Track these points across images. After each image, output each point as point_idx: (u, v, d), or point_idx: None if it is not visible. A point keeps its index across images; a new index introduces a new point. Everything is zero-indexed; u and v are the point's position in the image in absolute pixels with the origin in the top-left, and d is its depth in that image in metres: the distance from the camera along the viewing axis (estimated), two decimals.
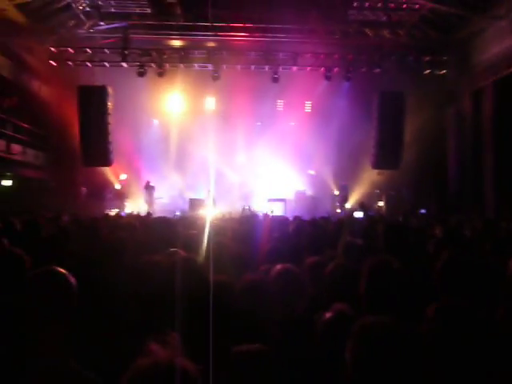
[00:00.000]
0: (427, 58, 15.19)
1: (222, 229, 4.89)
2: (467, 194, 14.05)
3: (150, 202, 16.03)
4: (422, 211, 12.74)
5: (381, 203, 15.88)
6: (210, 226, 4.26)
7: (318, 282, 2.71)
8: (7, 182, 13.75)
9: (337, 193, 16.43)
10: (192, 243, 3.74)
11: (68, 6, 13.48)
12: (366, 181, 16.57)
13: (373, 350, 1.23)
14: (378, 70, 15.00)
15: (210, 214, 11.89)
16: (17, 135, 13.26)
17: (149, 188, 16.23)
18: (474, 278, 2.47)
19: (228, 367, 1.49)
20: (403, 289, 2.19)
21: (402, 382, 1.20)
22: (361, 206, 9.41)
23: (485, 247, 4.13)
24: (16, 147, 13.11)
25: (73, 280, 1.61)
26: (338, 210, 15.43)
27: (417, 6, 13.62)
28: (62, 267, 2.19)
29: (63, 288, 1.56)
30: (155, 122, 18.37)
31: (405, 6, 13.76)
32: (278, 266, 2.52)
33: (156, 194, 16.54)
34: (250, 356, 1.51)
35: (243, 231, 5.09)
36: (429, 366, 1.28)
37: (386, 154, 14.35)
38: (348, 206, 16.65)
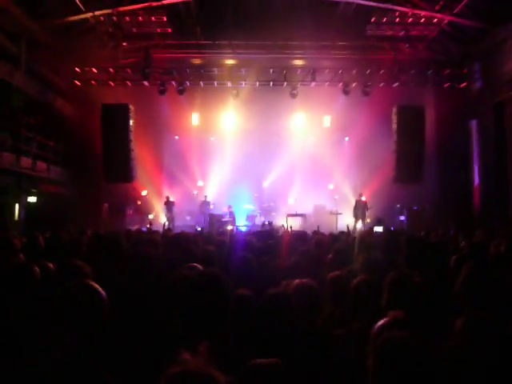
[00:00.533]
0: (447, 71, 15.09)
1: (244, 244, 4.90)
2: (491, 209, 13.74)
3: (169, 217, 16.19)
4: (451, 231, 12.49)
5: (402, 218, 15.65)
6: (233, 241, 4.28)
7: (339, 297, 2.70)
8: (33, 199, 14.10)
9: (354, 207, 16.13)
10: (212, 258, 3.77)
11: (92, 27, 13.95)
12: (387, 195, 16.38)
13: (393, 365, 1.20)
14: (396, 84, 14.96)
15: (231, 229, 11.92)
16: (42, 153, 13.63)
17: (169, 204, 16.41)
18: (496, 293, 2.42)
19: (244, 379, 1.50)
20: (424, 302, 2.16)
21: None
22: (378, 220, 9.27)
23: (509, 262, 4.03)
24: (41, 164, 13.47)
25: (103, 293, 1.65)
26: (359, 225, 15.25)
27: (435, 19, 13.60)
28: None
29: (95, 301, 1.60)
30: (176, 138, 18.66)
31: (423, 20, 13.75)
32: (296, 281, 2.53)
33: (175, 209, 16.71)
34: (262, 369, 1.51)
35: (264, 246, 5.09)
36: (455, 381, 1.24)
37: (407, 168, 14.21)
38: (368, 220, 16.46)
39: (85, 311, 1.57)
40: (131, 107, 14.60)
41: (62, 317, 1.55)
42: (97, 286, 1.67)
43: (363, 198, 15.74)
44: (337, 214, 16.03)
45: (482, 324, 1.58)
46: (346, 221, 15.05)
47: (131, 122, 14.53)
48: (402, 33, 14.15)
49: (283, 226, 7.15)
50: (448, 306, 2.58)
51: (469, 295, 2.48)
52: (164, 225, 14.30)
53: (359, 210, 15.21)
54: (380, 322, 1.87)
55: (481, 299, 2.39)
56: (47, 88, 14.43)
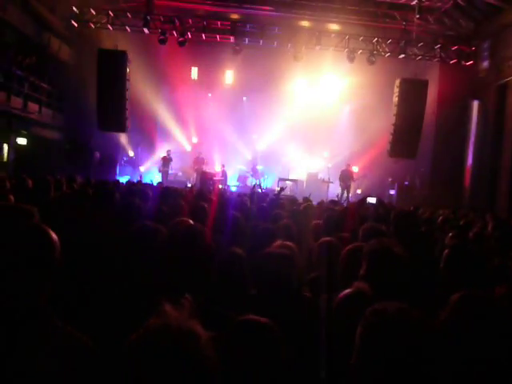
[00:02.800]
0: (455, 47, 14.77)
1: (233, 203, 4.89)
2: (481, 191, 13.85)
3: (163, 171, 16.12)
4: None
5: (392, 192, 15.75)
6: (223, 200, 4.26)
7: (329, 262, 2.72)
8: (22, 141, 13.85)
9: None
10: (201, 215, 3.75)
11: None
12: (380, 168, 16.41)
13: (385, 336, 1.18)
14: (402, 56, 14.65)
15: (221, 188, 11.89)
16: (34, 94, 13.27)
17: (166, 159, 16.30)
18: (476, 271, 2.46)
19: (230, 335, 1.48)
20: (404, 274, 2.17)
21: (414, 371, 1.16)
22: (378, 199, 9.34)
23: (491, 244, 4.11)
24: (33, 106, 13.13)
25: (55, 237, 1.56)
26: (348, 195, 15.32)
27: None
28: (70, 228, 2.19)
29: (43, 245, 1.52)
30: (174, 91, 18.27)
31: None
32: (278, 243, 2.59)
33: (171, 165, 16.62)
34: (252, 327, 1.50)
35: (253, 208, 5.08)
36: (444, 356, 1.23)
37: (403, 143, 14.13)
38: (359, 191, 16.55)
39: (27, 255, 1.47)
40: (129, 54, 14.15)
41: (4, 261, 1.47)
42: (45, 228, 1.57)
43: (354, 169, 15.74)
44: (328, 182, 16.06)
45: (478, 300, 1.59)
46: (338, 190, 15.14)
47: (128, 71, 14.13)
48: (414, 2, 13.71)
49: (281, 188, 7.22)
50: (430, 282, 2.63)
51: (451, 272, 2.52)
52: (161, 179, 14.23)
53: (345, 179, 15.26)
54: (343, 292, 1.91)
55: (463, 276, 2.42)
56: (42, 27, 13.85)
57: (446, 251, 2.63)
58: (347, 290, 1.92)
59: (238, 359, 1.41)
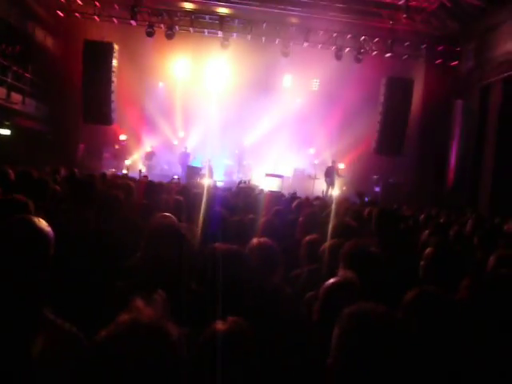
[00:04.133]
0: (440, 48, 14.95)
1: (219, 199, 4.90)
2: (464, 188, 14.08)
3: (148, 165, 16.04)
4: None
5: (377, 189, 15.91)
6: (207, 195, 4.26)
7: (313, 259, 2.76)
8: (5, 131, 13.61)
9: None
10: (183, 210, 3.76)
11: None
12: (365, 165, 16.55)
13: (364, 338, 1.18)
14: (389, 55, 14.77)
15: (207, 183, 11.86)
16: (18, 84, 13.04)
17: (150, 153, 16.21)
18: (457, 270, 2.50)
19: (208, 338, 1.48)
20: (380, 274, 2.21)
21: (391, 374, 1.16)
22: (359, 194, 9.40)
23: (473, 241, 4.18)
24: (16, 96, 12.90)
25: (49, 230, 1.56)
26: (334, 192, 15.43)
27: None
28: (53, 220, 2.18)
29: (36, 237, 1.52)
30: (161, 85, 18.13)
31: None
32: (254, 240, 2.57)
33: (155, 159, 16.51)
34: (232, 333, 1.50)
35: (240, 204, 5.10)
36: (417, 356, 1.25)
37: (389, 141, 14.30)
38: (344, 188, 16.67)
39: (22, 249, 1.48)
40: (116, 46, 13.99)
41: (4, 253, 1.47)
42: (41, 222, 1.57)
43: (340, 166, 15.81)
44: (314, 178, 16.15)
45: (431, 297, 1.63)
46: (323, 186, 15.23)
47: (114, 62, 13.97)
48: (401, 1, 13.82)
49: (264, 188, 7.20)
50: (409, 279, 2.67)
51: (431, 271, 2.56)
52: (140, 171, 14.14)
53: (330, 176, 15.33)
54: (329, 281, 1.91)
55: (442, 275, 2.46)
56: (27, 16, 13.60)
57: (428, 250, 2.67)
58: (333, 279, 1.91)
59: (211, 360, 1.39)
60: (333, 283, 1.89)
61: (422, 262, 2.63)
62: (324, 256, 2.59)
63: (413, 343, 1.23)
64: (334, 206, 4.74)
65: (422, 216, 6.71)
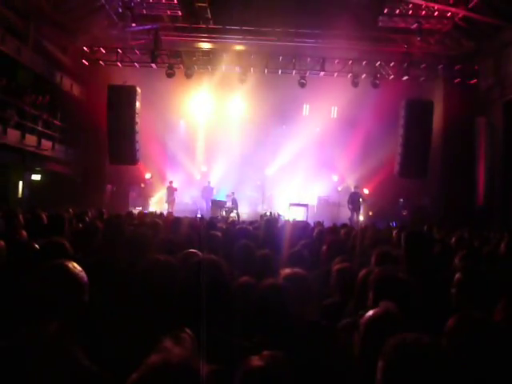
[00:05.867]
0: (458, 67, 14.91)
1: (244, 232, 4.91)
2: (494, 207, 13.68)
3: (170, 201, 16.21)
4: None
5: (404, 212, 15.63)
6: (235, 229, 4.28)
7: (345, 288, 2.71)
8: (36, 177, 14.14)
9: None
10: (214, 244, 3.78)
11: (102, 6, 13.81)
12: (391, 189, 16.35)
13: (412, 369, 1.16)
14: (406, 78, 14.80)
15: (233, 216, 11.93)
16: (47, 131, 13.63)
17: (171, 188, 16.45)
18: (491, 292, 2.41)
19: (245, 375, 1.44)
20: (411, 300, 2.14)
21: None
22: (382, 215, 9.30)
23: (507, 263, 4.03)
24: (46, 143, 13.47)
25: (83, 275, 1.60)
26: (361, 218, 15.24)
27: (449, 13, 13.38)
28: (84, 262, 2.23)
29: (72, 282, 1.55)
30: (182, 122, 18.61)
31: (436, 13, 13.54)
32: (286, 270, 2.52)
33: (177, 194, 16.75)
34: (264, 365, 1.46)
35: (265, 236, 5.09)
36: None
37: (412, 163, 14.12)
38: (370, 213, 16.45)
39: (58, 294, 1.51)
40: (138, 89, 14.53)
41: (36, 299, 1.50)
42: (76, 267, 1.61)
43: (364, 191, 15.65)
44: (339, 205, 16.01)
45: (475, 323, 1.58)
46: (349, 213, 15.06)
47: (138, 105, 14.47)
48: (414, 25, 13.94)
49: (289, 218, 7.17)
50: (442, 304, 2.58)
51: (464, 295, 2.48)
52: (168, 208, 14.35)
53: (354, 202, 15.10)
54: (370, 313, 1.85)
55: (477, 299, 2.38)
56: (55, 66, 14.35)
57: (458, 275, 2.59)
58: (374, 310, 1.85)
59: None
60: (374, 315, 1.82)
61: (452, 289, 2.56)
62: (357, 285, 2.54)
63: (460, 372, 1.20)
64: (359, 233, 4.68)
65: (454, 238, 6.53)
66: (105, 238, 3.91)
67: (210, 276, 2.09)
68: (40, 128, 13.13)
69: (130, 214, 9.17)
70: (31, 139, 12.55)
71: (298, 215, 14.72)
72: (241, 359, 1.47)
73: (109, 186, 16.05)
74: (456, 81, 14.99)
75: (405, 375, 1.17)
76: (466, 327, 1.58)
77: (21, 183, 13.88)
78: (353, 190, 15.56)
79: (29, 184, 13.96)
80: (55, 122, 14.19)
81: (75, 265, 1.63)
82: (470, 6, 12.56)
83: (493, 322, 1.66)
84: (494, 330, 1.58)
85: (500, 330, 1.60)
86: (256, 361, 1.44)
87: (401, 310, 1.90)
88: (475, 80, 14.88)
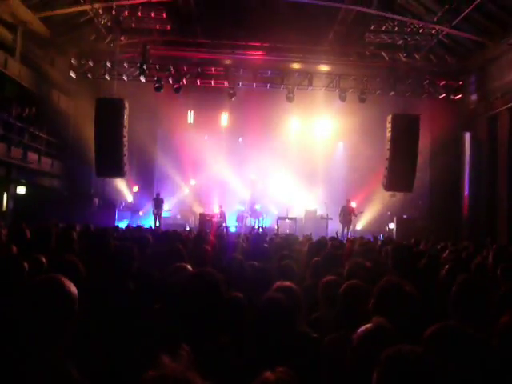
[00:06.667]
0: (443, 83, 15.21)
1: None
2: (481, 221, 13.86)
3: (157, 213, 16.01)
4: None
5: (391, 225, 15.72)
6: (224, 242, 4.26)
7: (331, 300, 2.70)
8: (22, 190, 13.94)
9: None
10: (203, 258, 3.75)
11: (90, 20, 13.83)
12: (379, 202, 16.47)
13: (407, 381, 1.16)
14: (392, 93, 15.04)
15: (221, 229, 11.88)
16: (33, 144, 13.49)
17: (158, 200, 16.30)
18: (486, 304, 2.43)
19: None
20: (414, 312, 2.15)
21: None
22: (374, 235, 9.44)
23: (496, 273, 4.06)
24: (32, 156, 13.32)
25: (73, 289, 1.59)
26: (347, 231, 15.28)
27: (433, 31, 13.69)
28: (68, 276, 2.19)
29: (63, 296, 1.54)
30: (169, 135, 18.58)
31: (422, 30, 13.83)
32: (277, 283, 2.54)
33: (165, 207, 16.61)
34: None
35: (252, 249, 5.07)
36: None
37: (399, 177, 14.24)
38: (359, 227, 16.53)
39: (48, 308, 1.50)
40: (126, 102, 14.49)
41: (28, 314, 1.49)
42: (66, 281, 1.60)
43: (352, 205, 15.76)
44: (327, 219, 16.04)
45: (450, 332, 1.58)
46: (337, 226, 15.10)
47: (126, 118, 14.42)
48: (400, 41, 14.23)
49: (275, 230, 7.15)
50: (435, 316, 2.58)
51: (460, 306, 2.49)
52: (154, 222, 14.23)
53: (345, 215, 15.15)
54: (362, 328, 1.85)
55: (471, 311, 2.39)
56: (42, 79, 14.27)
57: (454, 288, 2.60)
58: (366, 326, 1.86)
59: None
60: (366, 330, 1.83)
61: (449, 300, 2.57)
62: (340, 298, 2.54)
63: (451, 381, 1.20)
64: (347, 246, 4.69)
65: (440, 250, 6.59)
66: (90, 252, 3.86)
67: (208, 290, 2.05)
68: (26, 141, 12.99)
69: (117, 228, 9.09)
70: (17, 152, 12.40)
71: (287, 228, 14.72)
72: (237, 374, 1.46)
73: (95, 200, 15.89)
74: (441, 96, 15.28)
75: None
76: (440, 336, 1.59)
77: (5, 196, 13.67)
78: (344, 203, 15.61)
79: (14, 197, 13.75)
80: (42, 134, 14.06)
81: (66, 280, 1.61)
82: (453, 24, 12.87)
83: (469, 332, 1.67)
84: (469, 340, 1.59)
85: (476, 341, 1.60)
86: (269, 376, 1.44)
87: (402, 320, 1.91)
88: (460, 95, 15.18)
